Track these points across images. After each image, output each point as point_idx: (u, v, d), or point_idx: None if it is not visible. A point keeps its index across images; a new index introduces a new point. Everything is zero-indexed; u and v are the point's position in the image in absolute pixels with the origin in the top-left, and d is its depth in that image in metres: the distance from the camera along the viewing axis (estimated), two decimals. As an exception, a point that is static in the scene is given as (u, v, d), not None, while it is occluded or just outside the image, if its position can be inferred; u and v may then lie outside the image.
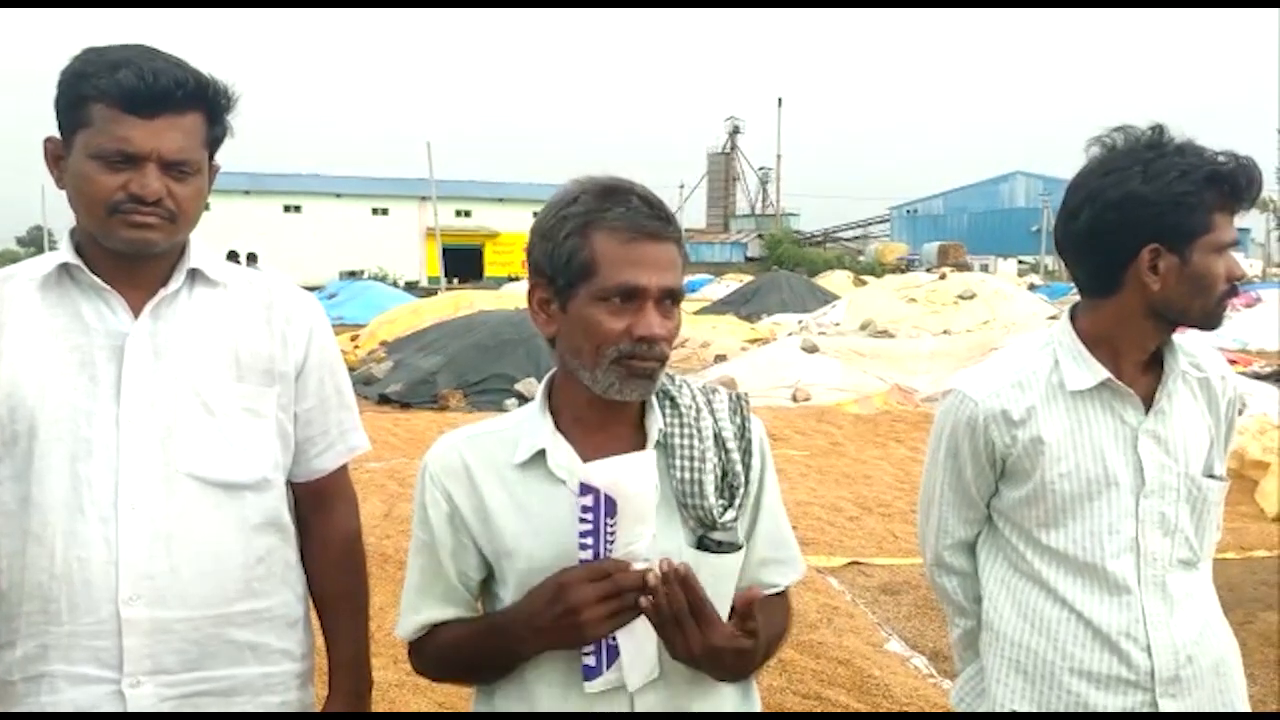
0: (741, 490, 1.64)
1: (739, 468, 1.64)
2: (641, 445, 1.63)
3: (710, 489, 1.60)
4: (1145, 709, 1.85)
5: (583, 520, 1.45)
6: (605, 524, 1.43)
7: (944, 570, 2.05)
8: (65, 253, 1.74)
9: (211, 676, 1.75)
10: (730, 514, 1.62)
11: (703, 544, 1.61)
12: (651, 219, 1.55)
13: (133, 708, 1.69)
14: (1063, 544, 1.87)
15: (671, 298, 1.58)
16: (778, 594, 1.75)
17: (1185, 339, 1.93)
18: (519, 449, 1.62)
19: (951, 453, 1.96)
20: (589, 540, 1.45)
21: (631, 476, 1.43)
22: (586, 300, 1.55)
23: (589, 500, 1.43)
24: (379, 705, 3.43)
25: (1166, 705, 1.84)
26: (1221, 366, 1.98)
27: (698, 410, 1.65)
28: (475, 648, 1.64)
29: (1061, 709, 1.88)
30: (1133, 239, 1.78)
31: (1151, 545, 1.86)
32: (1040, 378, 1.90)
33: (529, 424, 1.65)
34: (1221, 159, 1.77)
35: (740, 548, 1.65)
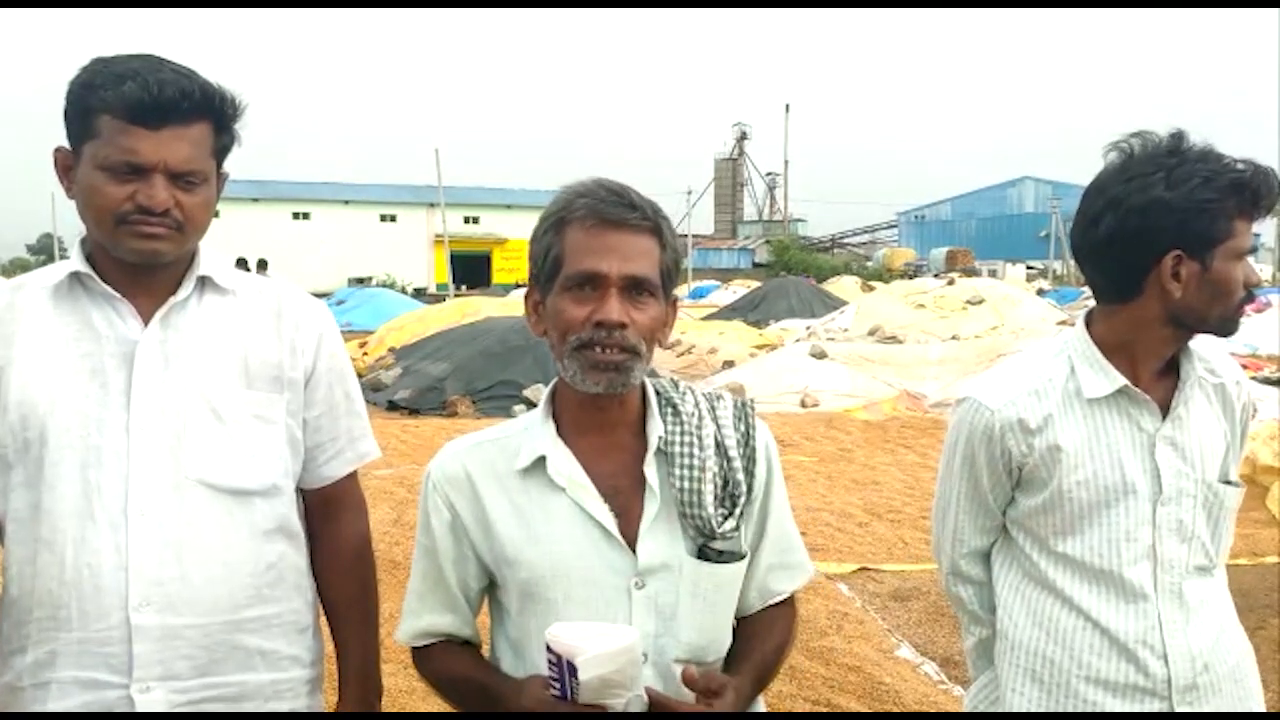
0: (743, 499, 1.64)
1: (740, 475, 1.64)
2: (642, 452, 1.63)
3: (709, 499, 1.60)
4: None
5: (550, 668, 1.44)
6: (570, 681, 1.41)
7: (960, 579, 2.04)
8: (76, 261, 1.75)
9: (221, 682, 1.75)
10: (730, 523, 1.62)
11: (703, 553, 1.61)
12: (615, 206, 1.57)
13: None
14: (1079, 551, 1.86)
15: (639, 287, 1.57)
16: (782, 602, 1.75)
17: (1199, 344, 1.93)
18: (520, 456, 1.63)
19: (968, 461, 1.95)
20: (556, 686, 1.44)
21: (595, 651, 1.40)
22: (557, 292, 1.58)
23: (553, 658, 1.42)
24: (388, 712, 3.42)
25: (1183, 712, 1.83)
26: (1236, 372, 1.97)
27: (700, 417, 1.65)
28: (470, 699, 1.68)
29: None
30: (1156, 245, 1.78)
31: (1169, 552, 1.85)
32: (1056, 385, 1.88)
33: (531, 430, 1.66)
34: (1241, 166, 1.77)
35: (742, 557, 1.65)
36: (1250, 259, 1.84)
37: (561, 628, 1.43)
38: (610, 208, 1.56)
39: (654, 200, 1.63)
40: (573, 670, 1.39)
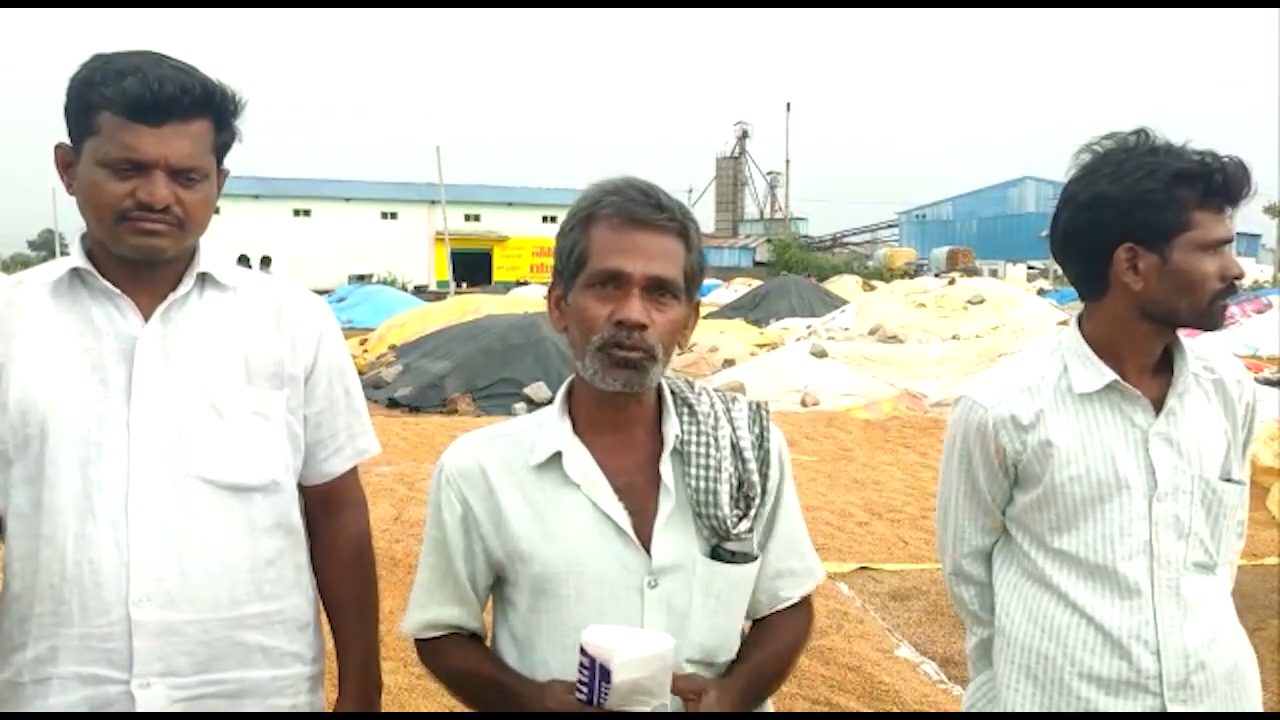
0: (758, 501, 1.64)
1: (755, 478, 1.64)
2: (657, 451, 1.63)
3: (725, 499, 1.59)
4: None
5: (581, 671, 1.43)
6: (600, 686, 1.41)
7: (962, 579, 2.05)
8: (76, 258, 1.75)
9: (222, 679, 1.75)
10: (745, 524, 1.62)
11: (716, 554, 1.61)
12: (643, 206, 1.56)
13: (142, 709, 1.70)
14: (1074, 547, 1.87)
15: (663, 288, 1.56)
16: (793, 606, 1.74)
17: (1199, 342, 1.93)
18: (535, 451, 1.63)
19: (965, 460, 1.95)
20: (584, 691, 1.43)
21: (630, 655, 1.39)
22: (580, 289, 1.58)
23: (586, 660, 1.42)
24: (388, 709, 3.43)
25: (1176, 710, 1.83)
26: (1238, 370, 1.96)
27: (716, 418, 1.65)
28: (483, 696, 1.66)
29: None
30: (1106, 240, 1.79)
31: (1165, 548, 1.84)
32: (1049, 382, 1.89)
33: (547, 426, 1.65)
34: (1195, 157, 1.75)
35: (755, 558, 1.65)
36: (1249, 258, 1.83)
37: (596, 631, 1.42)
38: (638, 207, 1.56)
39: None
40: (606, 674, 1.39)
